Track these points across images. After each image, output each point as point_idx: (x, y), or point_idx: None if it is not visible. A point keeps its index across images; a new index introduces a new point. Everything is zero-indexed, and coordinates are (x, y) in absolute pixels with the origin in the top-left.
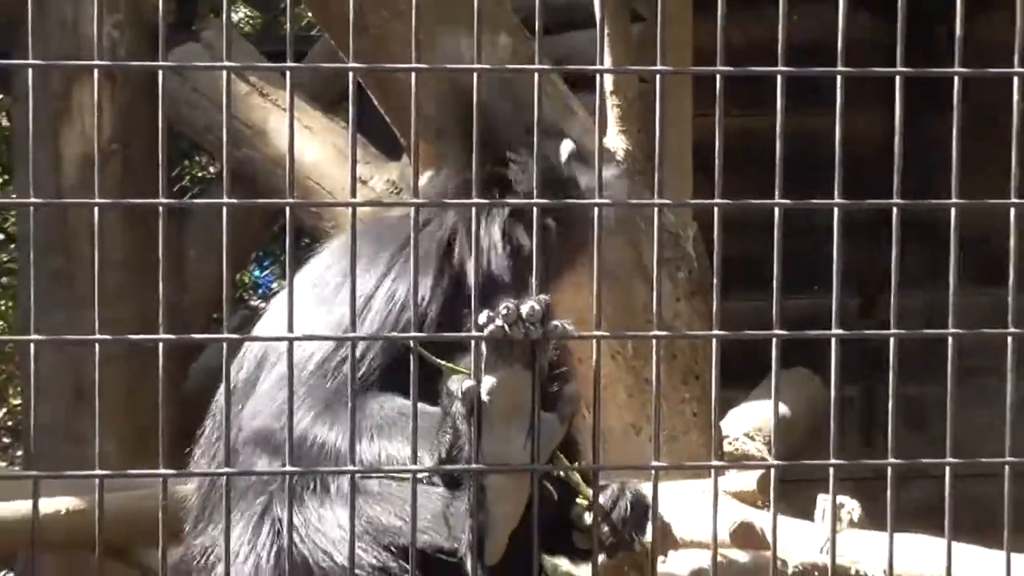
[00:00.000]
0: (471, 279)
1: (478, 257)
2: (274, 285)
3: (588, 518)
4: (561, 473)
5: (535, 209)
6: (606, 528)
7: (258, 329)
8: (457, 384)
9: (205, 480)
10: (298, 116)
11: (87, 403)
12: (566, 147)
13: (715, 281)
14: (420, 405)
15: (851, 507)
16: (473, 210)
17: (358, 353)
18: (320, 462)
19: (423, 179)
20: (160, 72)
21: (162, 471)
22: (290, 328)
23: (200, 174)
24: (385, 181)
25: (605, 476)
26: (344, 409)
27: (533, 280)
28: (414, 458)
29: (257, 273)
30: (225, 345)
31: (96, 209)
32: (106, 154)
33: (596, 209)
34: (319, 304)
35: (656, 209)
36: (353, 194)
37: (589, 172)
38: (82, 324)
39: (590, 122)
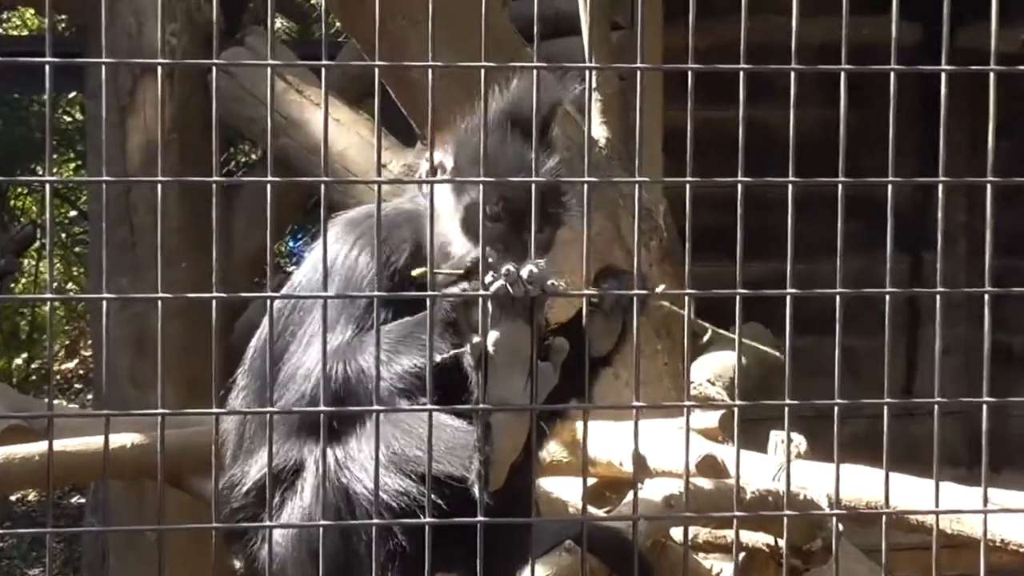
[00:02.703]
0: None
1: (483, 226)
2: (306, 254)
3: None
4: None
5: (533, 186)
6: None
7: (287, 289)
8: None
9: (244, 418)
10: (329, 110)
11: (148, 354)
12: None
13: (687, 247)
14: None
15: (798, 441)
16: (481, 188)
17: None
18: (353, 389)
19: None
20: (212, 70)
21: (215, 410)
22: (324, 287)
23: (244, 160)
24: (402, 165)
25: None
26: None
27: (531, 247)
28: (430, 399)
29: (292, 244)
30: (268, 303)
31: (159, 186)
32: (166, 142)
33: (585, 186)
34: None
35: (636, 186)
36: (378, 173)
37: None
38: (143, 286)
39: (579, 116)
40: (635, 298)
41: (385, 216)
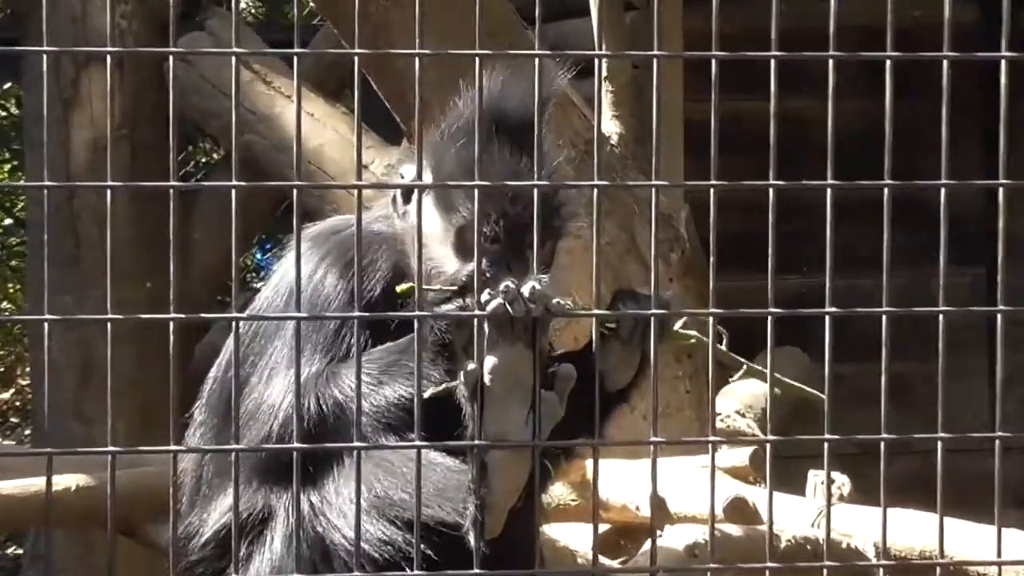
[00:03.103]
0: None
1: (479, 237)
2: (275, 267)
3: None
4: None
5: (535, 191)
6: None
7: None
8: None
9: (202, 459)
10: (302, 103)
11: (96, 383)
12: None
13: (711, 260)
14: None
15: (841, 482)
16: (476, 192)
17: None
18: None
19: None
20: (169, 58)
21: (172, 447)
22: (297, 307)
23: (204, 160)
24: (386, 166)
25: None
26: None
27: (533, 260)
28: (418, 433)
29: (260, 256)
30: (233, 324)
31: (108, 192)
32: (115, 140)
33: (595, 191)
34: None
35: (653, 190)
36: (359, 176)
37: None
38: (90, 305)
39: (587, 110)
40: (655, 322)
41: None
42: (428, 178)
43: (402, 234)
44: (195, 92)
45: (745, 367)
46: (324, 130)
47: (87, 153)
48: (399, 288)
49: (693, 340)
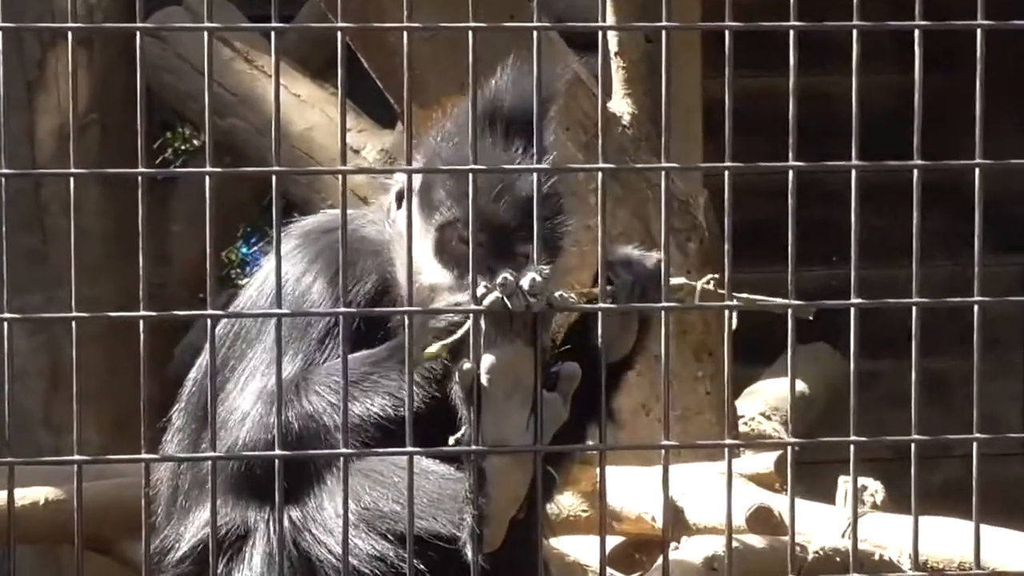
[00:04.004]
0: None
1: (474, 227)
2: (263, 263)
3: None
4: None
5: (535, 175)
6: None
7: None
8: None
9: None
10: (286, 83)
11: (64, 389)
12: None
13: (727, 248)
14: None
15: (874, 489)
16: (470, 177)
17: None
18: (306, 441)
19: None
20: (137, 35)
21: (144, 456)
22: (278, 304)
23: (183, 146)
24: (379, 151)
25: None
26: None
27: (534, 251)
28: (411, 440)
29: (244, 250)
30: (209, 322)
31: (72, 180)
32: (82, 125)
33: (600, 175)
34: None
35: (663, 174)
36: (343, 161)
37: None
38: (58, 305)
39: (594, 85)
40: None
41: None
42: (416, 181)
43: (390, 243)
44: (172, 73)
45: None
46: (312, 113)
47: (54, 141)
48: (426, 352)
49: (683, 287)
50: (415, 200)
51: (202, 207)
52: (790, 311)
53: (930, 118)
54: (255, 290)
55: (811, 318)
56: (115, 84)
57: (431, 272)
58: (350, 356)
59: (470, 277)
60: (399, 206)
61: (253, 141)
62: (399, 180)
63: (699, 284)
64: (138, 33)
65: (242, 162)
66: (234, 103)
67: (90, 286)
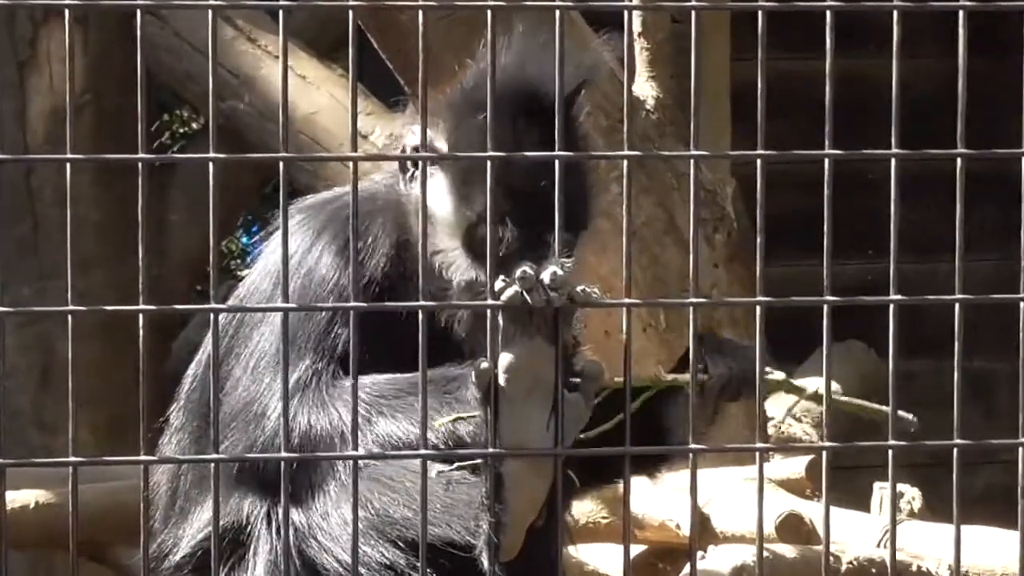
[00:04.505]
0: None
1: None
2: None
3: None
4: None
5: (557, 162)
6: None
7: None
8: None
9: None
10: (292, 64)
11: (58, 386)
12: None
13: (759, 241)
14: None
15: (911, 495)
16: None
17: (319, 328)
18: (315, 447)
19: None
20: (137, 12)
21: (143, 457)
22: (284, 297)
23: (182, 130)
24: (388, 136)
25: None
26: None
27: (555, 244)
28: (424, 441)
29: (246, 240)
30: (212, 316)
31: (68, 166)
32: (77, 107)
33: (625, 163)
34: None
35: (692, 162)
36: (354, 148)
37: None
38: (51, 297)
39: (619, 69)
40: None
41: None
42: (440, 143)
43: (407, 202)
44: (170, 53)
45: (782, 379)
46: (317, 95)
47: (47, 124)
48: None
49: (782, 383)
50: (443, 170)
51: (202, 195)
52: (825, 308)
53: (974, 103)
54: (258, 273)
55: (912, 429)
56: (111, 64)
57: (460, 267)
58: (382, 377)
59: (488, 271)
60: (414, 164)
61: (255, 124)
62: (415, 133)
63: (808, 388)
64: (138, 12)
65: (244, 146)
66: (236, 85)
67: (82, 278)
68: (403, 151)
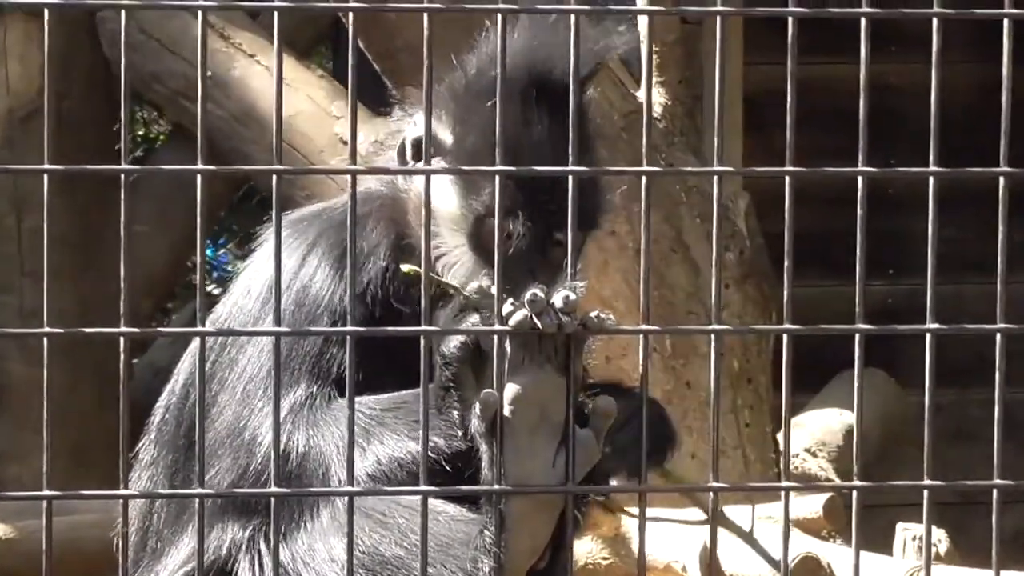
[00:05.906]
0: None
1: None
2: (229, 267)
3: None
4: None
5: (571, 178)
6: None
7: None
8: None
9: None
10: (268, 65)
11: (7, 411)
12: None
13: (787, 264)
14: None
15: (937, 537)
16: (497, 178)
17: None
18: (305, 479)
19: None
20: (122, 13)
21: (122, 492)
22: (276, 321)
23: (143, 133)
24: (372, 142)
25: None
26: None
27: (568, 262)
28: (423, 478)
29: (211, 252)
30: (200, 340)
31: (45, 176)
32: (33, 109)
33: (644, 179)
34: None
35: (716, 178)
36: (353, 160)
37: None
38: (3, 314)
39: (623, 74)
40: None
41: (346, 210)
42: (444, 133)
43: (406, 198)
44: (135, 50)
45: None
46: (295, 97)
47: (4, 127)
48: (403, 268)
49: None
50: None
51: (168, 205)
52: (857, 336)
53: (1016, 117)
54: (243, 291)
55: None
56: (73, 63)
57: (464, 266)
58: (375, 398)
59: (495, 289)
60: (416, 156)
61: (226, 129)
62: (417, 123)
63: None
64: (122, 12)
65: (213, 152)
66: (207, 85)
67: (38, 293)
68: (403, 143)
